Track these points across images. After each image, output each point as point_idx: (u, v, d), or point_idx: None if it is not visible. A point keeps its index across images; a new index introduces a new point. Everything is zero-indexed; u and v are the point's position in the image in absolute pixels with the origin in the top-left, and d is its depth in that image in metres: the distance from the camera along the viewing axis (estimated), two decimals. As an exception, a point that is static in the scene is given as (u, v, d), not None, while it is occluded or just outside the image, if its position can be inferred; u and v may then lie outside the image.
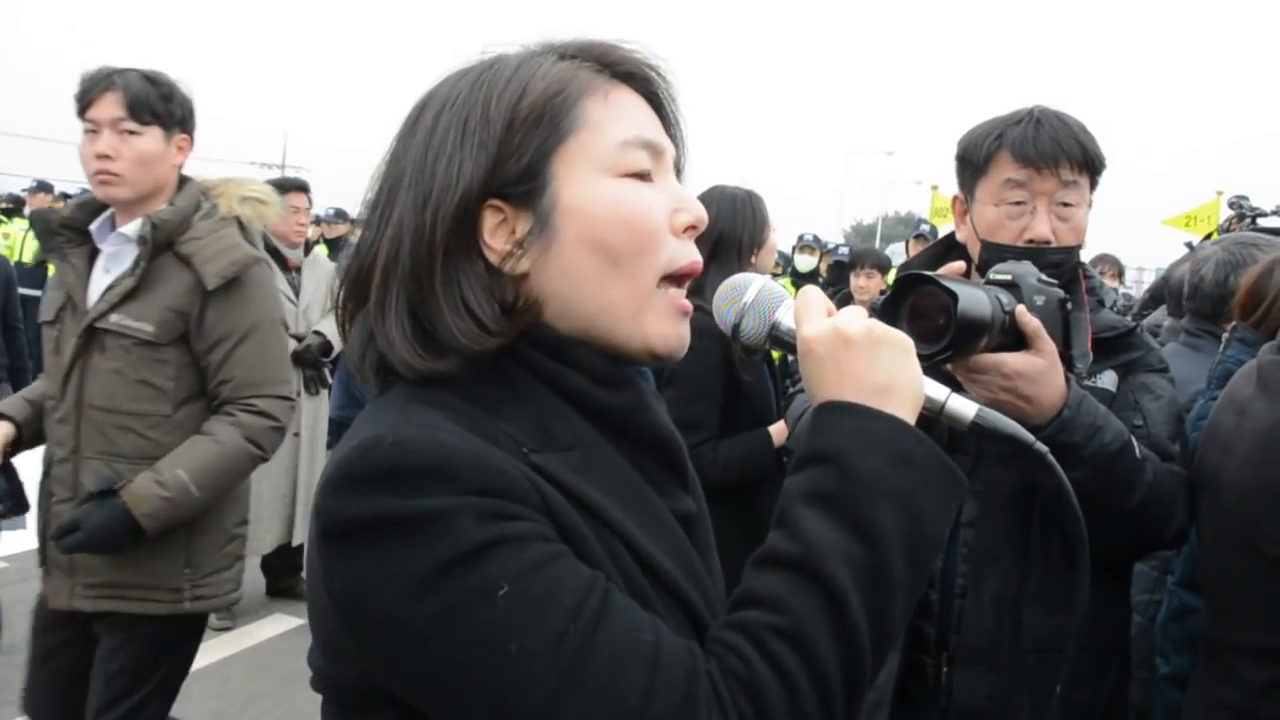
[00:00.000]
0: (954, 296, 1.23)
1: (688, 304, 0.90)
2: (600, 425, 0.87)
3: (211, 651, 4.26)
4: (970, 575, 1.58)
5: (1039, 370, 1.37)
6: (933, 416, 0.89)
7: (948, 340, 1.24)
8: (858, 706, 0.76)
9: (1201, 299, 2.65)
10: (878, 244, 21.80)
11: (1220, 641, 1.53)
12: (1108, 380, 1.61)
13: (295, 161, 39.65)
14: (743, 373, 2.76)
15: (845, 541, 0.75)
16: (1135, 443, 1.46)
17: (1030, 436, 0.90)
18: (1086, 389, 1.51)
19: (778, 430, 2.83)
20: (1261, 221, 4.81)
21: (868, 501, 0.77)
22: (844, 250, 7.74)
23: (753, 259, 2.93)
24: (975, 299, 1.29)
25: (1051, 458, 0.91)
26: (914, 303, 1.27)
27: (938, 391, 0.89)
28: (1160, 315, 4.04)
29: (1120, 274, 7.44)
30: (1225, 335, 2.36)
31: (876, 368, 0.83)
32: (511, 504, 0.74)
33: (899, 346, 0.85)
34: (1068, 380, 1.42)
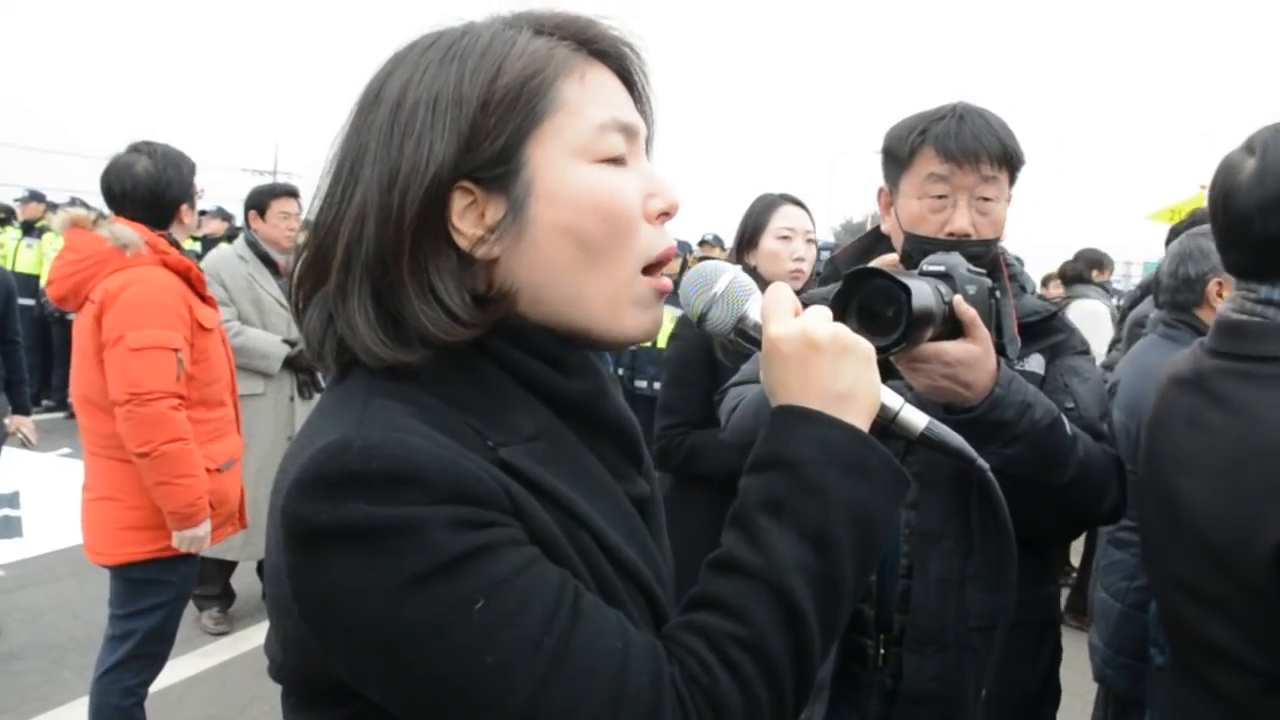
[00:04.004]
0: (907, 291, 1.25)
1: (666, 283, 0.88)
2: (562, 413, 0.86)
3: (208, 655, 4.28)
4: (915, 556, 1.62)
5: (976, 357, 1.43)
6: (884, 424, 0.91)
7: (899, 333, 1.27)
8: (805, 701, 0.79)
9: (1165, 290, 2.70)
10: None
11: (1209, 646, 1.41)
12: (1035, 364, 1.66)
13: (287, 167, 39.49)
14: (722, 358, 2.69)
15: (802, 553, 0.77)
16: (1066, 420, 1.51)
17: (974, 453, 0.93)
18: (1017, 373, 1.56)
19: None
20: None
21: (825, 514, 0.79)
22: (824, 253, 7.79)
23: (749, 259, 2.97)
24: (923, 292, 1.32)
25: (990, 474, 0.94)
26: (864, 297, 1.28)
27: (893, 400, 0.92)
28: (1147, 306, 4.10)
29: (1107, 269, 7.49)
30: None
31: (840, 375, 0.83)
32: (484, 510, 0.72)
33: (862, 355, 0.85)
34: (998, 363, 1.47)
